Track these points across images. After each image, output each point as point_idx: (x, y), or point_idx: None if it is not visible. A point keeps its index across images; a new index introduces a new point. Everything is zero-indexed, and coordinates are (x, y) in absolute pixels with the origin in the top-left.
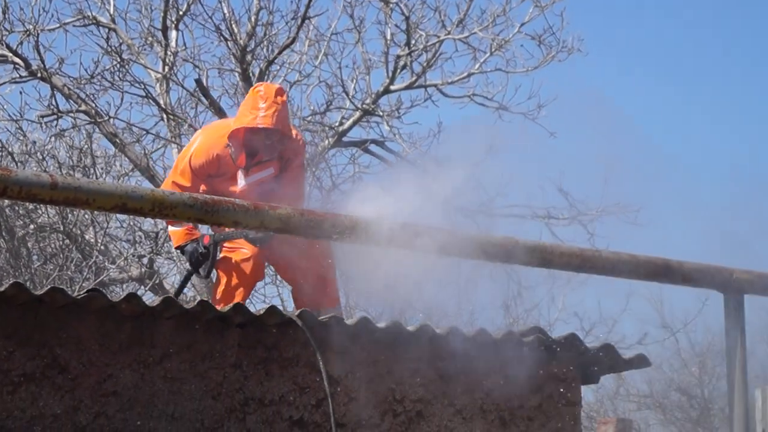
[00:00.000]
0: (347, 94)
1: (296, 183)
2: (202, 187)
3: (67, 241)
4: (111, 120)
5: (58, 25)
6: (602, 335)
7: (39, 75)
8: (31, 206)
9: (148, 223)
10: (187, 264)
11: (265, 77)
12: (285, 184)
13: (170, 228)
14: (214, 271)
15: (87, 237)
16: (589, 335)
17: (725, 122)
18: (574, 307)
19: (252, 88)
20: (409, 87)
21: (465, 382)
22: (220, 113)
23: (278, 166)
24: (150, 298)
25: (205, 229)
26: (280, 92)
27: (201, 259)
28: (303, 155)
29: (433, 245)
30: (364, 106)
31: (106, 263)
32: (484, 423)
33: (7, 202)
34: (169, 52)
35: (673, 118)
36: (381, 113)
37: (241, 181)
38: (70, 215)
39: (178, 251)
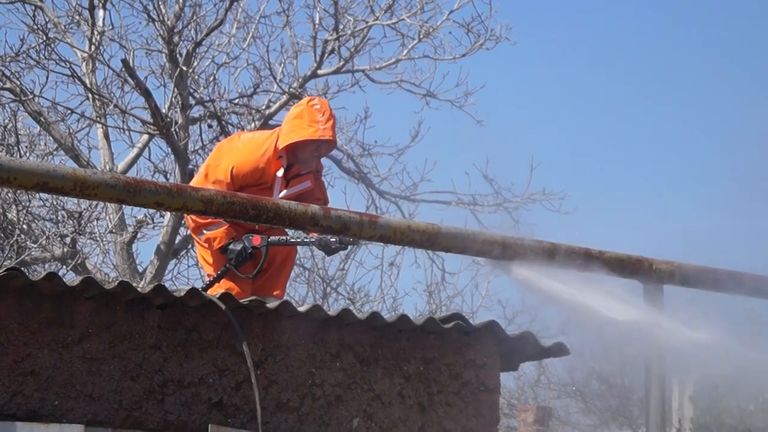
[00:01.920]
0: (275, 78)
1: (324, 191)
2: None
3: None
4: (36, 98)
5: None
6: (525, 323)
7: None
8: None
9: (71, 203)
10: (230, 263)
11: (192, 59)
12: (318, 195)
13: (206, 232)
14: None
15: (9, 216)
16: (511, 323)
17: (656, 109)
18: (498, 294)
19: (306, 101)
20: (336, 72)
21: (385, 367)
22: (146, 94)
23: (314, 179)
24: (72, 278)
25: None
26: (330, 107)
27: (248, 259)
28: (322, 171)
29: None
30: (291, 89)
31: (29, 242)
32: (403, 408)
33: None
34: (95, 32)
35: (602, 105)
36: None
37: (278, 194)
38: None
39: (220, 251)
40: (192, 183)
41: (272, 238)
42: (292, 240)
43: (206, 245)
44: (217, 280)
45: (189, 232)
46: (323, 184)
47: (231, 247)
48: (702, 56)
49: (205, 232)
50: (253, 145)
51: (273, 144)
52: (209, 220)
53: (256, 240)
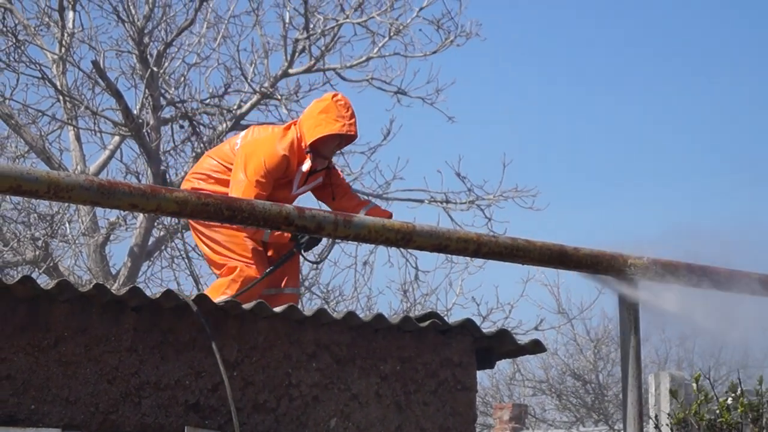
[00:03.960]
0: (245, 77)
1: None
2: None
3: None
4: (6, 101)
5: None
6: (499, 321)
7: None
8: None
9: (43, 205)
10: (299, 247)
11: (163, 59)
12: (343, 190)
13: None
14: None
15: None
16: (486, 321)
17: (626, 106)
18: (472, 292)
19: (330, 96)
20: (307, 71)
21: (361, 366)
22: (117, 95)
23: (326, 173)
24: (45, 281)
25: None
26: (351, 106)
27: (313, 246)
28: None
29: None
30: (262, 89)
31: (0, 246)
32: (380, 408)
33: None
34: (65, 34)
35: (574, 101)
36: (279, 97)
37: (296, 188)
38: None
39: (291, 239)
40: (236, 196)
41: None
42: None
43: (275, 241)
44: (282, 263)
45: (161, 233)
46: (340, 174)
47: (298, 237)
48: (674, 51)
49: (268, 231)
50: (273, 138)
51: (294, 137)
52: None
53: None
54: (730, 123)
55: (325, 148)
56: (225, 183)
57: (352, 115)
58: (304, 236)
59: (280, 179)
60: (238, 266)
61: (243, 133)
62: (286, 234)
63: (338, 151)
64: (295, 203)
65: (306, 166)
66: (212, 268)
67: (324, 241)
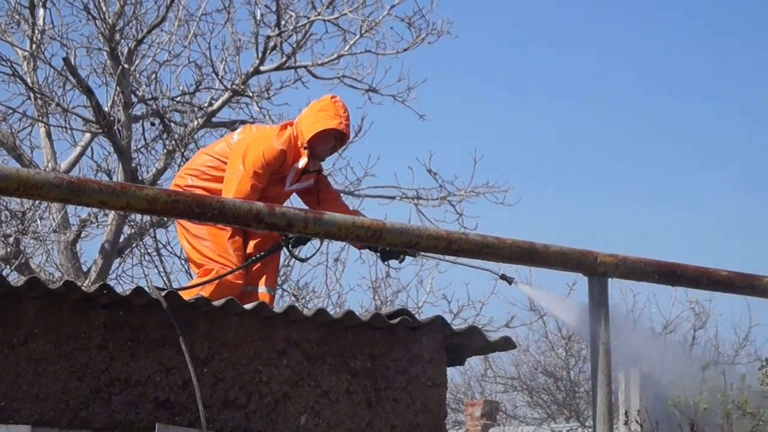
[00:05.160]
0: (217, 75)
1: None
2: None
3: None
4: None
5: None
6: (470, 318)
7: None
8: None
9: (14, 202)
10: (285, 242)
11: (134, 56)
12: (331, 196)
13: None
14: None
15: None
16: (457, 318)
17: (598, 103)
18: (443, 289)
19: (329, 98)
20: (279, 68)
21: (331, 363)
22: (89, 92)
23: (316, 178)
24: (15, 278)
25: None
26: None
27: (304, 244)
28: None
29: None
30: (233, 86)
31: None
32: (350, 404)
33: None
34: (36, 30)
35: (544, 97)
36: (251, 94)
37: (289, 185)
38: None
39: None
40: (232, 186)
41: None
42: None
43: (266, 233)
44: (268, 254)
45: (132, 231)
46: (329, 183)
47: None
48: (648, 50)
49: None
50: (269, 136)
51: (291, 134)
52: None
53: None
54: (703, 122)
55: (321, 146)
56: (220, 180)
57: (348, 117)
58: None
59: (274, 174)
60: (215, 269)
61: (239, 129)
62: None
63: (330, 152)
64: (287, 202)
65: (302, 162)
66: (192, 266)
67: (316, 242)
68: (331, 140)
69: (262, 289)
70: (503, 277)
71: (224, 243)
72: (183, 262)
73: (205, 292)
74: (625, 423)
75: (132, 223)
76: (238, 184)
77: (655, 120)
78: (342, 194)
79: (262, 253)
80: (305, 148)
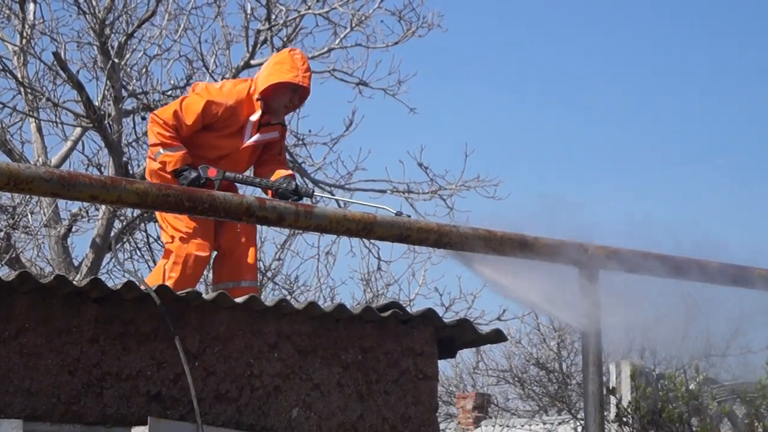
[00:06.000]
0: (207, 69)
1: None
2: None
3: None
4: None
5: None
6: (462, 311)
7: None
8: None
9: (5, 197)
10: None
11: (124, 51)
12: (279, 157)
13: (164, 152)
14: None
15: None
16: (449, 311)
17: (589, 95)
18: (435, 282)
19: (287, 51)
20: None
21: (323, 356)
22: (79, 87)
23: (281, 131)
24: (6, 273)
25: None
26: (308, 62)
27: (199, 188)
28: (286, 132)
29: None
30: (224, 80)
31: None
32: (341, 397)
33: None
34: (26, 25)
35: (535, 91)
36: None
37: (248, 138)
38: None
39: (172, 175)
40: (160, 109)
41: (228, 174)
42: (248, 179)
43: (160, 166)
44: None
45: (124, 223)
46: (284, 146)
47: (185, 173)
48: (642, 41)
49: (161, 152)
50: (228, 86)
51: (247, 88)
52: (168, 141)
53: (212, 172)
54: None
55: (277, 99)
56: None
57: (308, 70)
58: (187, 178)
59: (225, 126)
60: (175, 246)
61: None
62: (169, 167)
63: (290, 106)
64: (250, 154)
65: (256, 116)
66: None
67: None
68: (288, 93)
69: (245, 283)
70: (398, 214)
71: (185, 216)
72: None
73: (174, 272)
74: (617, 415)
75: (123, 218)
76: (160, 112)
77: (646, 111)
78: (333, 188)
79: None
80: (258, 100)
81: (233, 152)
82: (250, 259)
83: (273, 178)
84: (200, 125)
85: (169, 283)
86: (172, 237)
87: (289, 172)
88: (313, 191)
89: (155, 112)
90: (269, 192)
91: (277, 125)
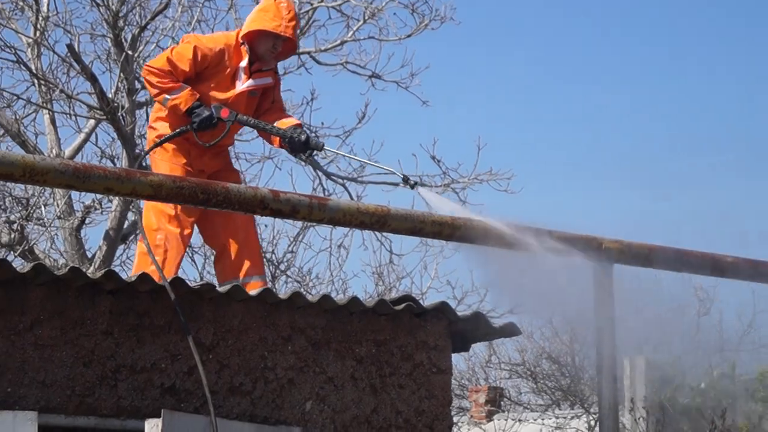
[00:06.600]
0: None
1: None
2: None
3: None
4: None
5: None
6: (475, 304)
7: None
8: None
9: (19, 189)
10: (192, 125)
11: (138, 43)
12: (278, 105)
13: (170, 96)
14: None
15: None
16: (461, 304)
17: (601, 89)
18: (447, 275)
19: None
20: None
21: (336, 349)
22: (92, 79)
23: (275, 78)
24: (20, 265)
25: None
26: (296, 10)
27: (211, 128)
28: (280, 84)
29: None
30: None
31: None
32: (355, 390)
33: None
34: (40, 17)
35: (548, 84)
36: None
37: (242, 84)
38: None
39: (186, 113)
40: (152, 60)
41: (240, 116)
42: (259, 124)
43: (172, 112)
44: (173, 136)
45: (136, 217)
46: (280, 96)
47: (197, 110)
48: (654, 36)
49: (168, 98)
50: (217, 34)
51: (235, 35)
52: (170, 85)
53: (225, 112)
54: (711, 108)
55: (262, 46)
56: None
57: (292, 19)
58: (200, 115)
59: (212, 75)
60: (151, 219)
61: None
62: (182, 107)
63: (276, 54)
64: (247, 103)
65: (244, 62)
66: None
67: (227, 122)
68: (271, 40)
69: (255, 279)
70: (405, 179)
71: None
72: (188, 249)
73: (158, 255)
74: (631, 410)
75: (136, 210)
76: (153, 61)
77: (658, 105)
78: (346, 181)
79: (171, 134)
80: (242, 45)
81: (230, 100)
82: (254, 253)
83: (281, 126)
84: (193, 71)
85: (154, 267)
86: (152, 218)
87: (297, 121)
88: (323, 144)
89: (148, 63)
90: (276, 140)
91: (269, 71)
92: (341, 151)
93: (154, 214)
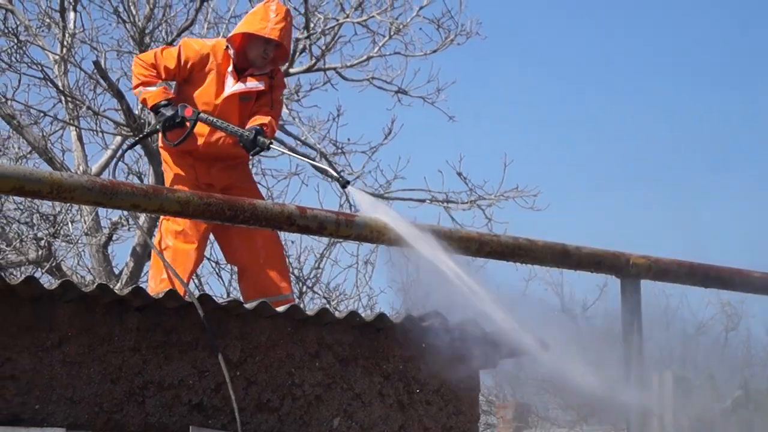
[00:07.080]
0: None
1: (278, 111)
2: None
3: None
4: (8, 102)
5: None
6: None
7: None
8: None
9: (46, 205)
10: (158, 125)
11: None
12: (274, 111)
13: (144, 89)
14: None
15: None
16: None
17: (628, 105)
18: None
19: (263, 2)
20: (308, 70)
21: (364, 366)
22: (119, 96)
23: (268, 83)
24: (47, 281)
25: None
26: (289, 14)
27: (174, 127)
28: (282, 89)
29: None
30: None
31: (3, 246)
32: (383, 407)
33: None
34: (67, 34)
35: (575, 99)
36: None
37: (231, 87)
38: None
39: (152, 111)
40: (143, 53)
41: (202, 115)
42: (219, 123)
43: (143, 104)
44: (144, 138)
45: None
46: (280, 107)
47: (162, 110)
48: (680, 51)
49: (142, 90)
50: (208, 39)
51: (226, 41)
52: (149, 80)
53: (188, 111)
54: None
55: (252, 51)
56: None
57: (281, 21)
58: (163, 115)
59: (199, 78)
60: (161, 236)
61: None
62: (150, 102)
63: (267, 59)
64: (239, 107)
65: (231, 66)
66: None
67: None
68: (261, 45)
69: (280, 298)
70: (338, 178)
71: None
72: (213, 264)
73: (166, 274)
74: (660, 426)
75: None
76: (140, 56)
77: (685, 121)
78: (372, 196)
79: (143, 134)
80: (226, 48)
81: (219, 105)
82: (279, 271)
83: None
84: (178, 71)
85: (162, 285)
86: (162, 235)
87: (263, 120)
88: (270, 144)
89: (138, 55)
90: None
91: (262, 76)
92: (367, 169)
93: (162, 232)
